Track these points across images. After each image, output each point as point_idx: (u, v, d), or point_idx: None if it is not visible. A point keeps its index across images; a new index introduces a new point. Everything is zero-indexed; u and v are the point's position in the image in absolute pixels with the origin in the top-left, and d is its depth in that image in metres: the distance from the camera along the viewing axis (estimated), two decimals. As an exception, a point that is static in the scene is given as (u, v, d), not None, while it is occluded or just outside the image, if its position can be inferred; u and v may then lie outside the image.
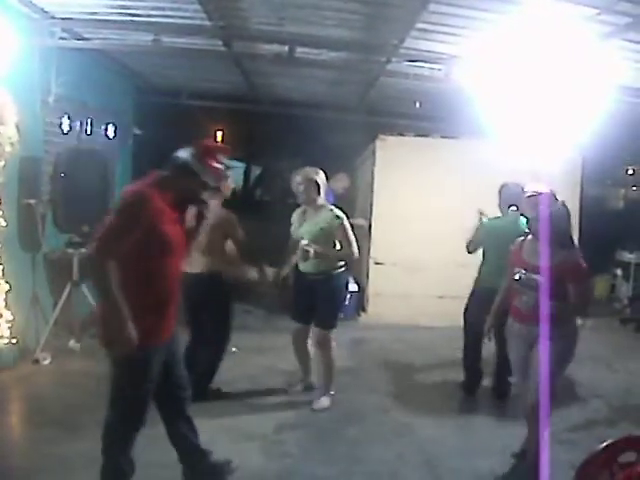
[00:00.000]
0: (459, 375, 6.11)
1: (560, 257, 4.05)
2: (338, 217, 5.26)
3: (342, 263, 5.41)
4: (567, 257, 4.07)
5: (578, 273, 4.08)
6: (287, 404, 5.50)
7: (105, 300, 3.28)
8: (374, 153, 8.76)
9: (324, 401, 5.46)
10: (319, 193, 5.32)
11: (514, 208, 5.70)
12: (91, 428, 4.73)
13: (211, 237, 4.99)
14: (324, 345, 5.44)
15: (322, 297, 5.37)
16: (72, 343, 6.56)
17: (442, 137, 9.01)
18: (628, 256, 10.29)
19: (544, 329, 4.03)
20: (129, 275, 3.25)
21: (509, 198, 5.78)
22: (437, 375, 6.58)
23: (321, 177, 5.39)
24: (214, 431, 4.81)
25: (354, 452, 4.63)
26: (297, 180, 5.35)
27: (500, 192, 5.90)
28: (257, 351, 6.91)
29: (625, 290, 10.22)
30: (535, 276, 4.07)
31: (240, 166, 13.89)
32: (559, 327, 4.05)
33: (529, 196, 5.08)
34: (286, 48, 6.64)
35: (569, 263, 4.06)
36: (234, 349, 6.00)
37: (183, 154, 3.51)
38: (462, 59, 6.49)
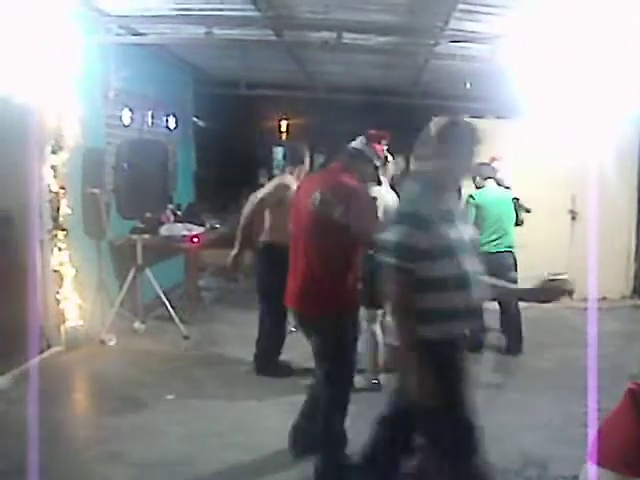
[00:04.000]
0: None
1: None
2: None
3: None
4: None
5: None
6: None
7: None
8: (429, 136, 8.81)
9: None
10: None
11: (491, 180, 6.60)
12: (150, 402, 5.07)
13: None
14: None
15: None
16: (136, 325, 6.89)
17: (496, 118, 9.01)
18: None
19: None
20: None
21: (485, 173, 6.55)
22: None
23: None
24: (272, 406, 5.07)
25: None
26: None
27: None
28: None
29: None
30: None
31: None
32: None
33: None
34: (334, 35, 6.77)
35: None
36: (293, 328, 5.86)
37: (356, 144, 4.00)
38: (507, 37, 6.48)
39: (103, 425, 4.66)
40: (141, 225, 7.05)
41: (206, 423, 4.73)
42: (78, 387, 5.58)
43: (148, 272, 6.82)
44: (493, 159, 6.70)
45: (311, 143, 12.62)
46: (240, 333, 7.02)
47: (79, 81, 6.00)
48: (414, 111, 9.53)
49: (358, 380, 4.62)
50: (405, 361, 2.89)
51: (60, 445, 4.22)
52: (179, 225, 7.83)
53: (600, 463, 1.98)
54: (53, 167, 5.97)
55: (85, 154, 6.47)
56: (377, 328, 5.33)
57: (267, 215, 5.70)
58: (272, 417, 4.87)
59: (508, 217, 6.55)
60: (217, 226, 8.79)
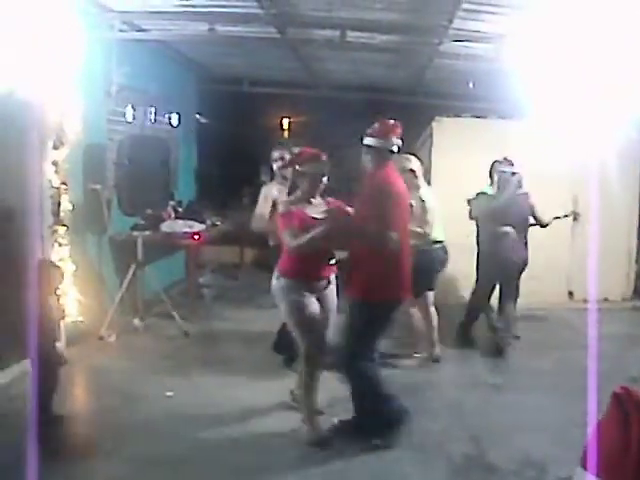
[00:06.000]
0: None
1: None
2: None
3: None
4: None
5: None
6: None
7: None
8: (431, 135, 8.80)
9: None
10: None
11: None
12: (150, 399, 5.06)
13: None
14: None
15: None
16: (136, 321, 6.89)
17: (499, 118, 8.99)
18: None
19: None
20: None
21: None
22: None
23: (415, 164, 5.86)
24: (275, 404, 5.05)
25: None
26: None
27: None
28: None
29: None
30: None
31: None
32: None
33: None
34: (337, 33, 6.75)
35: None
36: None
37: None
38: (511, 37, 6.46)
39: (102, 422, 4.66)
40: (142, 221, 7.05)
41: (207, 421, 4.72)
42: (78, 384, 5.55)
43: (148, 269, 6.81)
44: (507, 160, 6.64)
45: (313, 142, 12.63)
46: (240, 330, 7.05)
47: (81, 77, 5.97)
48: (417, 110, 9.52)
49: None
50: None
51: (59, 441, 4.22)
52: (180, 222, 7.82)
53: (588, 469, 1.98)
54: (54, 163, 5.93)
55: (86, 150, 6.44)
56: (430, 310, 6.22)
57: None
58: (275, 415, 4.87)
59: None
60: (218, 223, 8.80)
